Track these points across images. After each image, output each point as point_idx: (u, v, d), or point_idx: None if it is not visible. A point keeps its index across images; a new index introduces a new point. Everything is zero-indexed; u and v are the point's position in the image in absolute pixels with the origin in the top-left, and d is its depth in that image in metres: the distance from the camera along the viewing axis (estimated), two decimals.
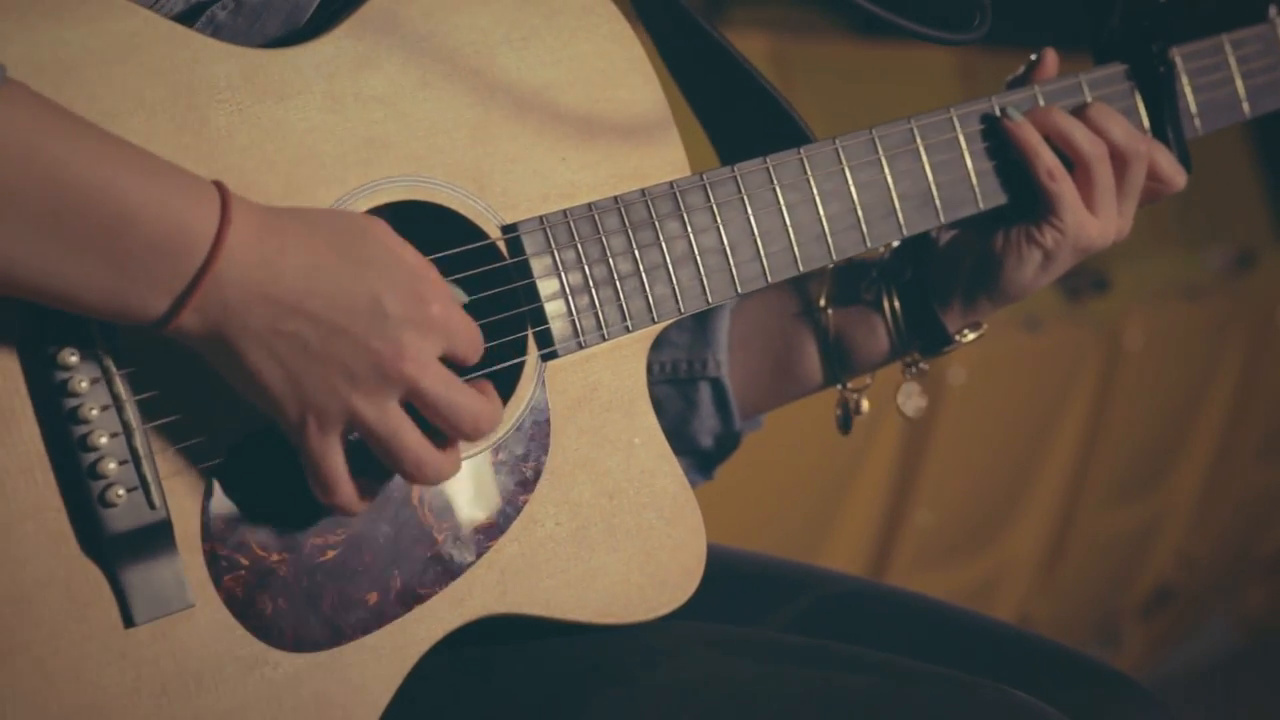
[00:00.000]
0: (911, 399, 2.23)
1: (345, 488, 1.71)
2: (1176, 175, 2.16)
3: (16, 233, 1.56)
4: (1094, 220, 2.10)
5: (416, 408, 1.71)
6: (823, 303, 2.19)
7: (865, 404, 2.23)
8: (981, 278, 2.14)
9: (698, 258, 1.94)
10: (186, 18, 1.78)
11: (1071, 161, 2.11)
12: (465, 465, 1.82)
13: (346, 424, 1.69)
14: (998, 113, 2.11)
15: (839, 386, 2.21)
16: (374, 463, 1.73)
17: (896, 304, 2.18)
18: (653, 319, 1.92)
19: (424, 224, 1.84)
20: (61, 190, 1.57)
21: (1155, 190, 2.16)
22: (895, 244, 2.17)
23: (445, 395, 1.71)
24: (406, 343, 1.68)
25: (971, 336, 2.19)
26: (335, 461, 1.70)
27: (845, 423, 2.24)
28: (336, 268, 1.66)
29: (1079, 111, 2.13)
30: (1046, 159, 2.09)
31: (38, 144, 1.56)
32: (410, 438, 1.70)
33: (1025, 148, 2.09)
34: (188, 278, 1.61)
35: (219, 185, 1.64)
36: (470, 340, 1.73)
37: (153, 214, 1.59)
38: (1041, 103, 2.14)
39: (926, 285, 2.17)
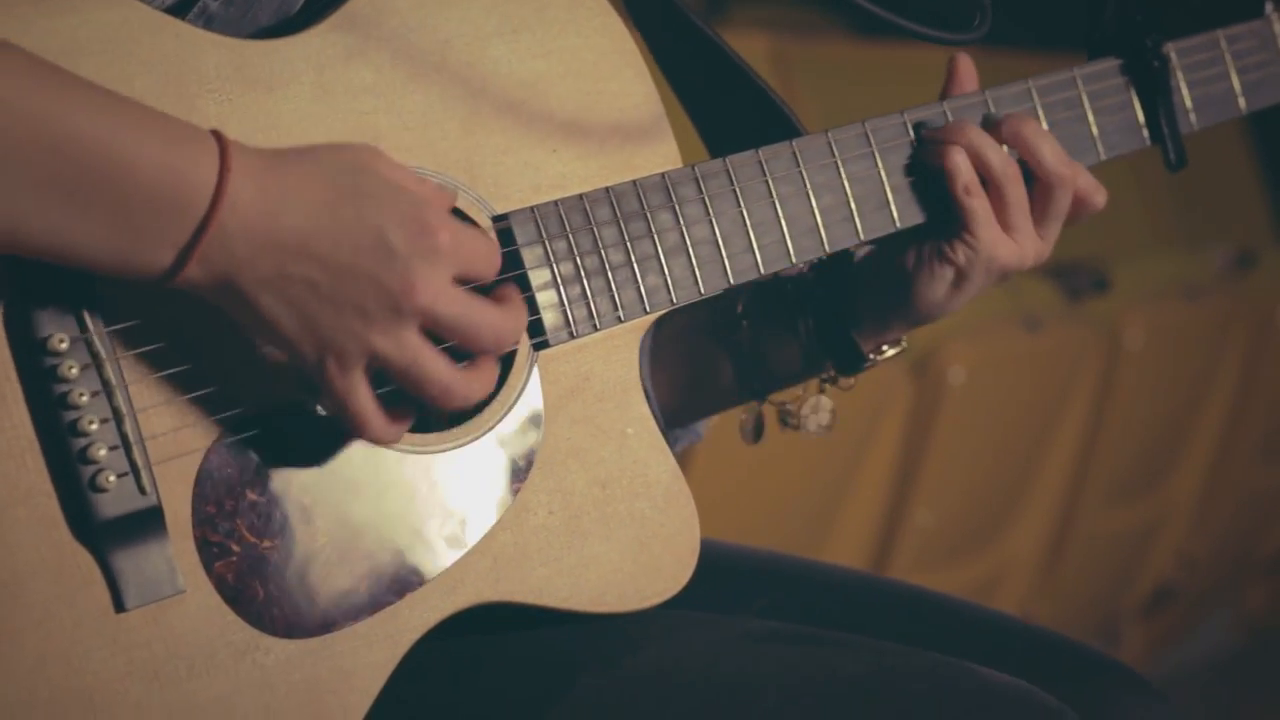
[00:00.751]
0: (816, 415, 2.20)
1: (377, 420, 1.71)
2: (1096, 195, 2.10)
3: (17, 190, 1.56)
4: (1008, 240, 2.06)
5: (436, 334, 1.71)
6: (740, 315, 2.17)
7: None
8: (894, 296, 2.11)
9: (690, 249, 1.94)
10: (178, 9, 1.78)
11: (984, 180, 2.05)
12: (456, 454, 1.82)
13: (367, 360, 1.68)
14: (950, 117, 2.08)
15: (757, 402, 2.19)
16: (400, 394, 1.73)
17: (811, 322, 2.15)
18: (645, 309, 1.92)
19: None
20: (58, 144, 1.57)
21: (1077, 212, 2.10)
22: (815, 261, 2.14)
23: (462, 317, 1.70)
24: (416, 274, 1.67)
25: (891, 353, 2.16)
26: (362, 398, 1.69)
27: (754, 432, 2.21)
28: (339, 207, 1.65)
29: (1004, 126, 2.07)
30: (965, 174, 2.04)
31: (33, 100, 1.57)
32: (433, 365, 1.70)
33: (947, 163, 2.04)
34: (190, 229, 1.61)
35: (217, 134, 1.63)
36: (484, 257, 1.73)
37: (151, 166, 1.60)
38: (1035, 97, 2.13)
39: (840, 304, 2.14)
